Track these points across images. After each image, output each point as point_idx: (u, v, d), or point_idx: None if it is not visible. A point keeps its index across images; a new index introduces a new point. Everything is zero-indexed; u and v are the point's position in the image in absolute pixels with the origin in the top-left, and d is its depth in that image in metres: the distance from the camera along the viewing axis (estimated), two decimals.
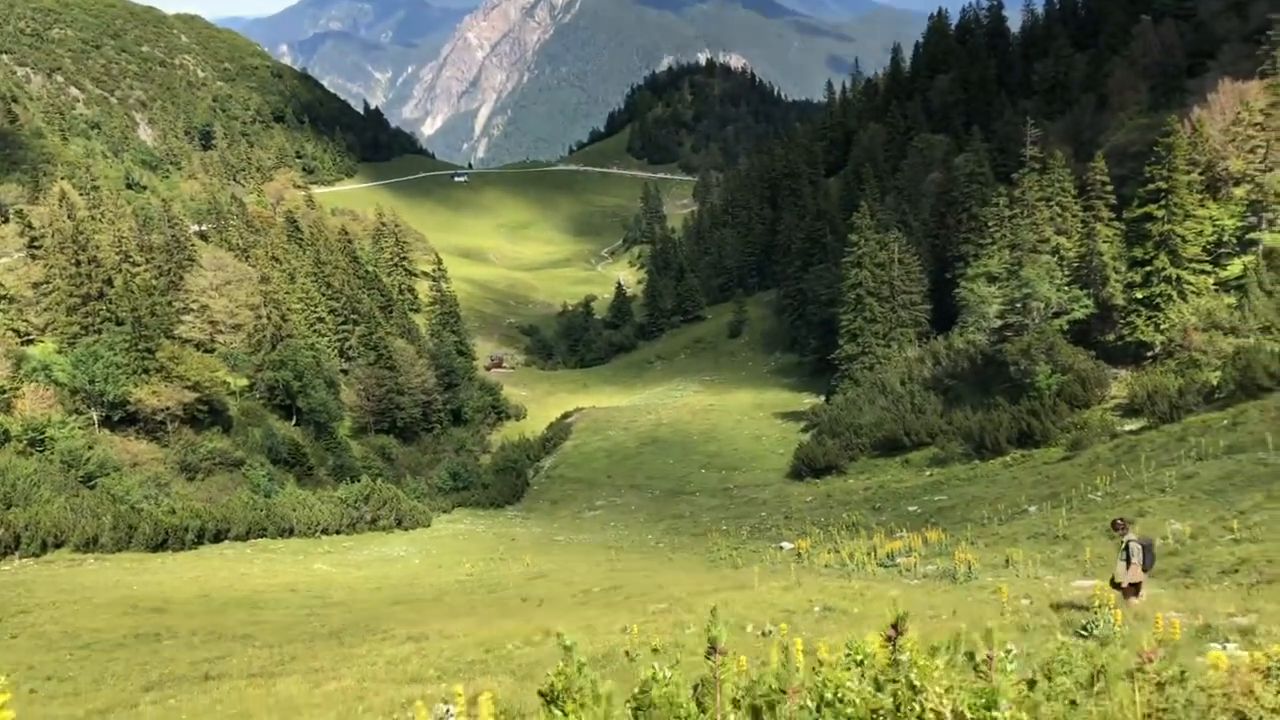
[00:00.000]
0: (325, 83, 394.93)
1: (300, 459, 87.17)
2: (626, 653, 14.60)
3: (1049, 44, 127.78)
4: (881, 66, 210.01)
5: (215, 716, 12.45)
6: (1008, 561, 30.31)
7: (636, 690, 4.08)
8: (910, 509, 58.13)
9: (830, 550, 38.72)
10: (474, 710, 6.46)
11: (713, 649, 4.03)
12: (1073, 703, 4.15)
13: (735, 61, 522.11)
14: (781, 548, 49.38)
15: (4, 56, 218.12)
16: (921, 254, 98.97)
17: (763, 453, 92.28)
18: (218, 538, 55.28)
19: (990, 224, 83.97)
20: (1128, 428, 58.10)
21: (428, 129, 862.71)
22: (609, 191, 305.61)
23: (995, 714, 3.63)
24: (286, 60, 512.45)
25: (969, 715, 3.57)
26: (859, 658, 4.13)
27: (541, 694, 4.23)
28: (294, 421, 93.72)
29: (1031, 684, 4.27)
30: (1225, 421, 45.16)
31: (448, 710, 11.11)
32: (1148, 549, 16.91)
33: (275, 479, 79.73)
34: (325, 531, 62.95)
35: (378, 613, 32.59)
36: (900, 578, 28.58)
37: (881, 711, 3.61)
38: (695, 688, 4.19)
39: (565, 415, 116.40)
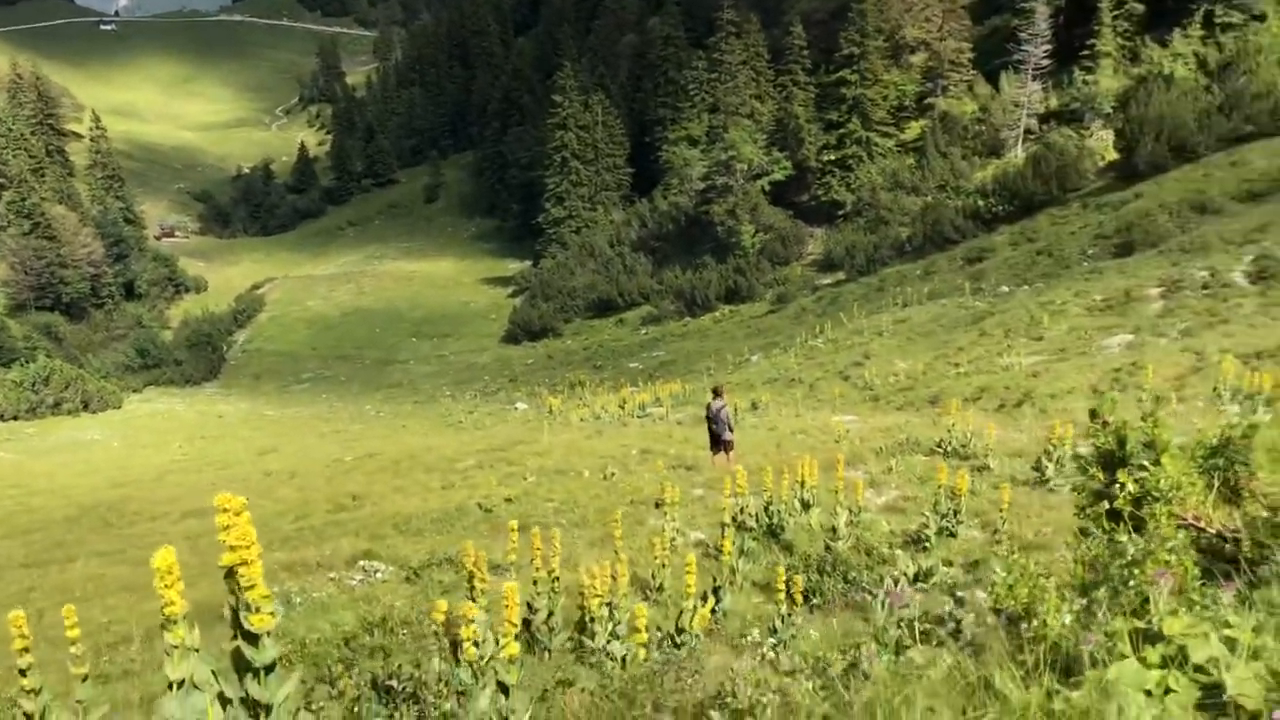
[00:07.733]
0: None
1: None
2: (479, 505, 14.32)
3: None
4: None
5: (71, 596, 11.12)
6: (754, 405, 32.18)
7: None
8: (632, 365, 60.24)
9: (581, 405, 39.54)
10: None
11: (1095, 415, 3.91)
12: None
13: None
14: (516, 408, 49.84)
15: None
16: (621, 117, 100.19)
17: (472, 318, 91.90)
18: None
19: (690, 87, 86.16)
20: (825, 281, 62.76)
21: None
22: (279, 46, 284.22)
23: None
24: None
25: None
26: None
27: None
28: None
29: None
30: (918, 272, 49.75)
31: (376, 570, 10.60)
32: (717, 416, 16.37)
33: None
34: (1, 418, 56.86)
35: (102, 497, 29.97)
36: (662, 424, 29.71)
37: None
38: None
39: (255, 286, 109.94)
